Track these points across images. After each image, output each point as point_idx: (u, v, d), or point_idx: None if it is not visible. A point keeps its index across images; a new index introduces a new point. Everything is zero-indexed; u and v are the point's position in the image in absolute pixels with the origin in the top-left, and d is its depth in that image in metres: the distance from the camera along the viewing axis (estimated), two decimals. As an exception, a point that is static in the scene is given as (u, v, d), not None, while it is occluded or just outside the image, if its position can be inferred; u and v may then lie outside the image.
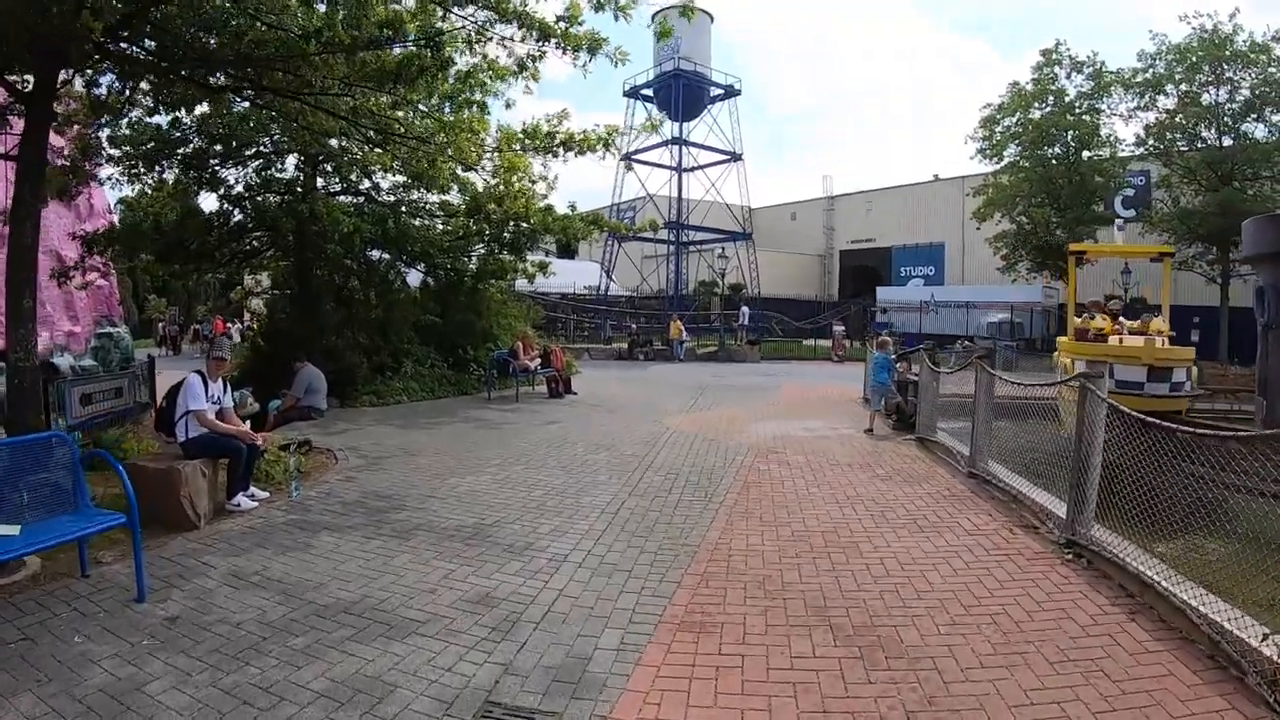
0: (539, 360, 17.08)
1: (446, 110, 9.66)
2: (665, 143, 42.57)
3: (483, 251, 18.00)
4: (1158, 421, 5.83)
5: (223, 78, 9.55)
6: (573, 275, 39.65)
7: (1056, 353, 14.20)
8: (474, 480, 8.60)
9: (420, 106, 9.59)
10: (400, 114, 9.25)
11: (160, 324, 42.01)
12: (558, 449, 10.65)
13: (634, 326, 33.01)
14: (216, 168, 14.70)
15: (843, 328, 35.56)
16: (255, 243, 16.78)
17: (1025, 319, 42.32)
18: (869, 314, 46.25)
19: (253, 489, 7.70)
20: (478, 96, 9.08)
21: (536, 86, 8.48)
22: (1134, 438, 6.03)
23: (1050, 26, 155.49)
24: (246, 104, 12.43)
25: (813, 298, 55.37)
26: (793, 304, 46.23)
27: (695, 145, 43.49)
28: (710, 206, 46.03)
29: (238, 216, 15.09)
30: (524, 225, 16.46)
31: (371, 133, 9.92)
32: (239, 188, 15.17)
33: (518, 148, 11.97)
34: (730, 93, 44.74)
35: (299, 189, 14.58)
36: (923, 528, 7.08)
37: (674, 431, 12.49)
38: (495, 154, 12.24)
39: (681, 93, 40.68)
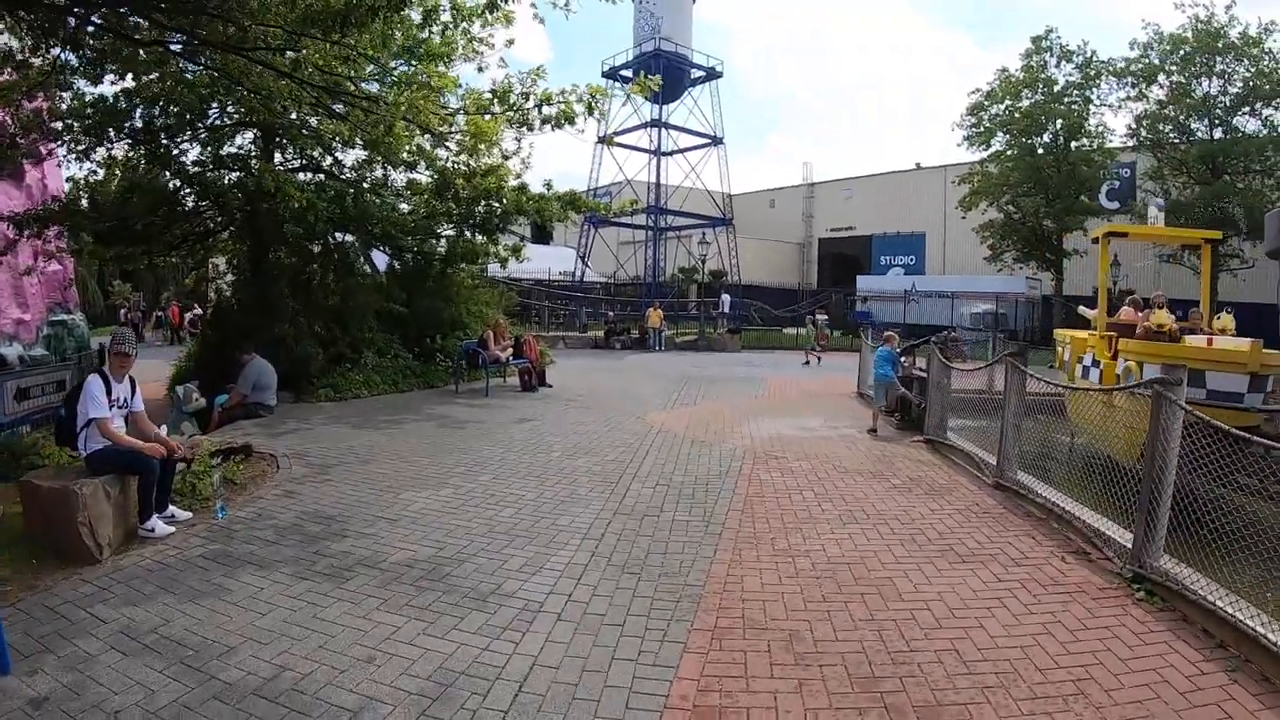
0: (511, 351, 15.85)
1: (404, 68, 8.41)
2: (644, 125, 41.24)
3: (451, 233, 16.75)
4: (1262, 440, 4.83)
5: (150, 30, 8.30)
6: (548, 261, 38.38)
7: (1062, 348, 13.18)
8: (433, 495, 7.41)
9: (374, 64, 8.31)
10: (351, 71, 7.96)
11: (123, 310, 40.34)
12: (531, 453, 9.47)
13: (611, 314, 31.77)
14: (165, 142, 13.38)
15: (825, 317, 34.52)
16: (209, 223, 15.45)
17: (1009, 310, 41.61)
18: (849, 303, 45.33)
19: (172, 509, 6.50)
20: (439, 45, 7.86)
21: (507, 59, 7.32)
22: (1223, 455, 5.03)
23: (1038, 23, 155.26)
24: (186, 64, 11.18)
25: (792, 286, 54.50)
26: (771, 292, 45.20)
27: (675, 128, 42.16)
28: (689, 192, 44.81)
29: (187, 194, 13.73)
30: (496, 205, 15.25)
31: (319, 93, 8.61)
32: (189, 164, 13.85)
33: (486, 116, 10.73)
34: (712, 75, 43.42)
35: (252, 163, 13.21)
36: (962, 556, 6.04)
37: (659, 431, 11.37)
38: (460, 118, 10.97)
39: (662, 74, 39.35)
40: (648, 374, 20.23)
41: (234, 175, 13.22)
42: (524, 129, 14.59)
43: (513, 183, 15.13)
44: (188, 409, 11.89)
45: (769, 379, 20.03)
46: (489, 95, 9.05)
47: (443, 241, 17.06)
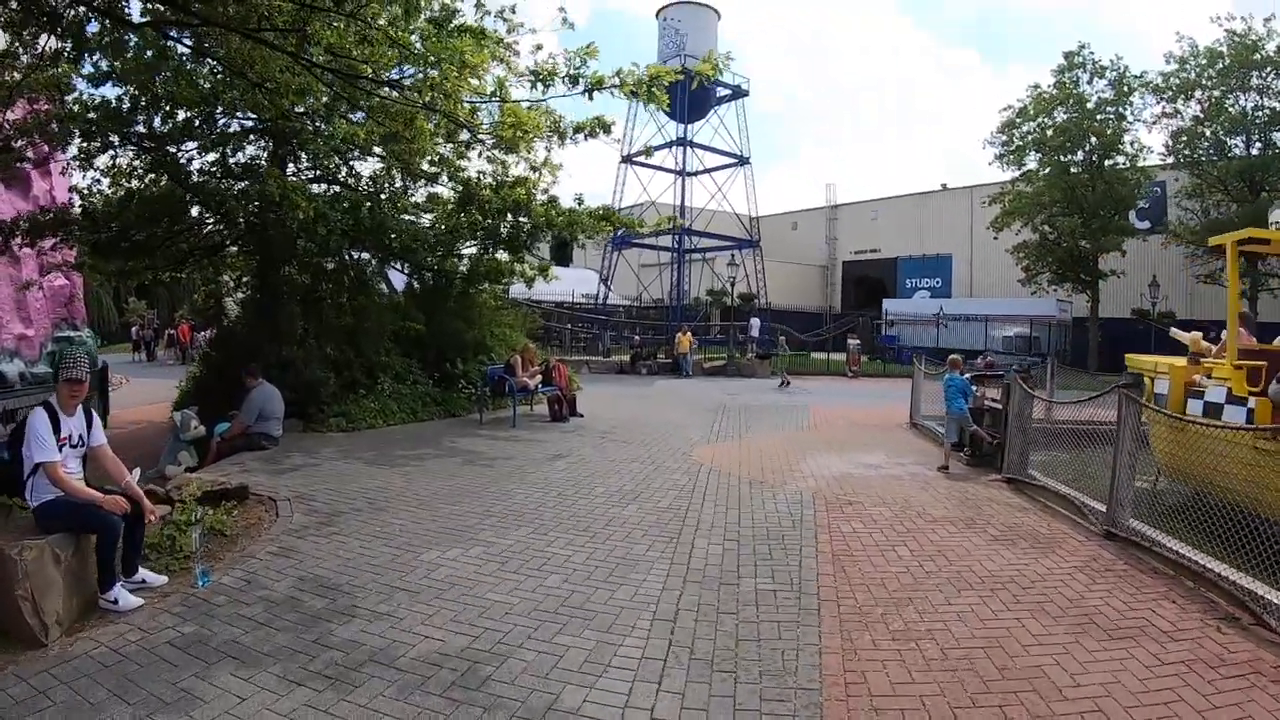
0: (540, 378, 14.65)
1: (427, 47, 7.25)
2: (669, 144, 40.22)
3: (474, 250, 15.62)
4: None
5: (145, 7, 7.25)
6: (570, 283, 37.33)
7: (1151, 379, 11.74)
8: (461, 555, 6.14)
9: (395, 47, 7.16)
10: (369, 52, 6.82)
11: (135, 328, 39.51)
12: (572, 499, 8.20)
13: (637, 338, 30.60)
14: (171, 149, 12.36)
15: (857, 341, 33.26)
16: (216, 236, 14.40)
17: (1042, 333, 40.19)
18: (875, 326, 43.87)
19: (143, 573, 5.31)
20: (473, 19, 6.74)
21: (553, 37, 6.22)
22: None
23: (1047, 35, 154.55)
24: (187, 56, 10.14)
25: (815, 309, 53.31)
26: (795, 316, 43.95)
27: (701, 147, 41.10)
28: (714, 214, 43.72)
29: (190, 203, 12.67)
30: (523, 220, 14.11)
31: (333, 79, 7.46)
32: (195, 172, 12.79)
33: (525, 105, 9.57)
34: (738, 93, 42.41)
35: (260, 170, 12.11)
36: (1107, 630, 4.84)
37: (710, 470, 10.09)
38: (493, 108, 9.79)
39: (687, 92, 38.37)
40: (681, 402, 18.99)
41: (241, 185, 12.07)
42: (556, 138, 13.62)
43: (541, 196, 14.03)
44: (186, 437, 10.74)
45: (811, 407, 18.71)
46: (531, 75, 7.83)
47: (465, 259, 15.95)
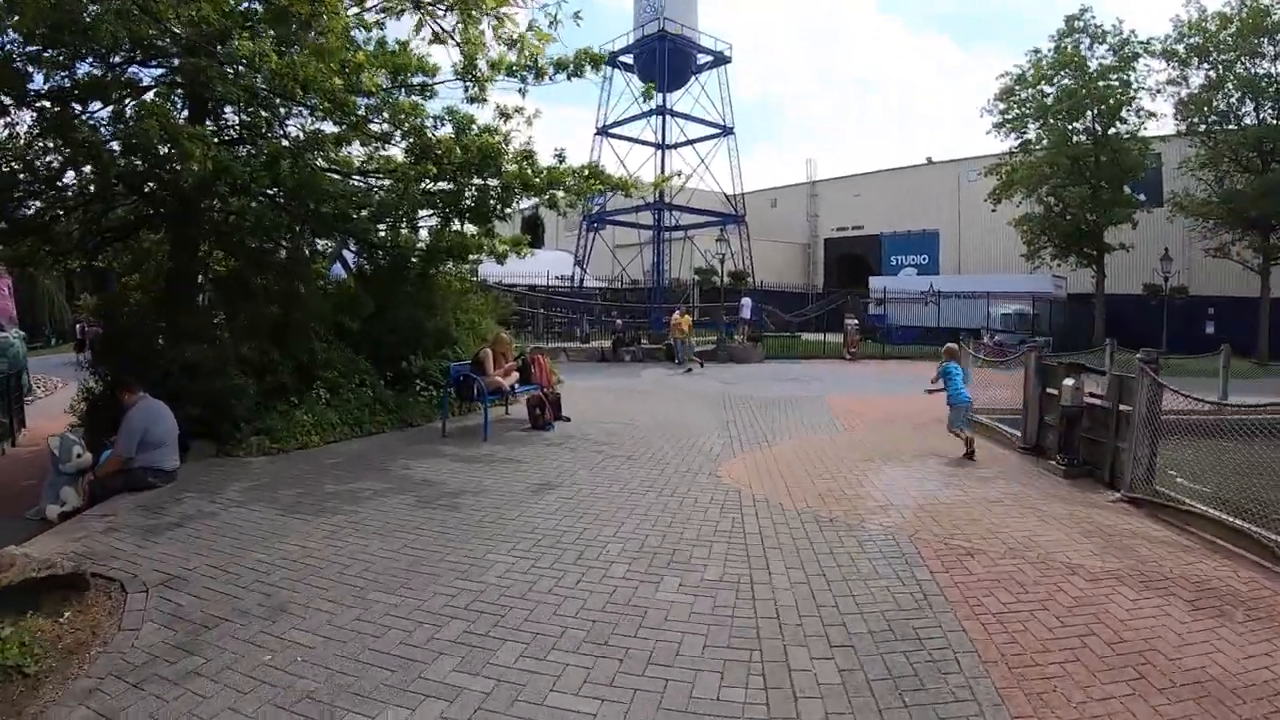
0: (516, 375, 11.99)
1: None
2: (647, 114, 37.38)
3: (436, 222, 12.94)
4: None
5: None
6: (543, 265, 34.65)
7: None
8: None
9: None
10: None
11: (79, 326, 36.21)
12: (576, 569, 5.53)
13: (619, 322, 27.88)
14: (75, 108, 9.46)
15: (855, 321, 30.91)
16: (128, 214, 11.62)
17: (1043, 310, 38.23)
18: (863, 305, 41.43)
19: None
20: None
21: None
22: None
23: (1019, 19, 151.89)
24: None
25: (799, 288, 50.97)
26: (778, 295, 41.50)
27: (682, 116, 38.06)
28: (694, 191, 41.12)
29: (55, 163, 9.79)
30: (492, 182, 11.44)
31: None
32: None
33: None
34: (720, 60, 39.52)
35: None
36: None
37: (753, 500, 7.54)
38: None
39: (666, 58, 35.60)
40: (678, 396, 16.41)
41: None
42: (533, 77, 11.05)
43: (513, 148, 11.34)
44: (67, 469, 7.99)
45: (826, 399, 16.28)
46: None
47: (424, 234, 13.27)
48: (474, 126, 10.60)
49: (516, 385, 11.81)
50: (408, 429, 11.37)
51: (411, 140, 10.55)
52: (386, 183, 11.53)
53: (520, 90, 11.44)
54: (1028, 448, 10.49)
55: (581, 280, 38.90)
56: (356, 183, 11.64)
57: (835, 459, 9.66)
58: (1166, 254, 34.00)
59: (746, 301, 29.79)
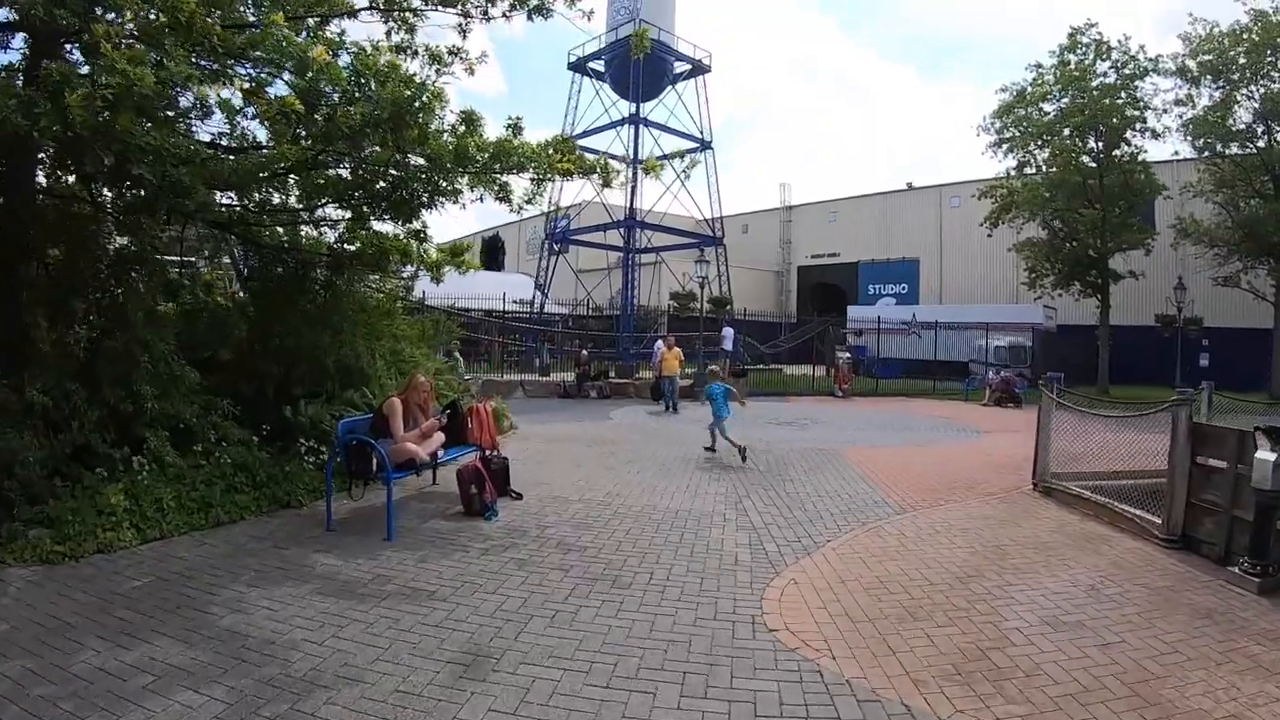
0: (440, 436, 8.30)
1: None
2: (619, 123, 34.14)
3: (347, 219, 9.46)
4: None
5: None
6: (502, 287, 31.13)
7: None
8: None
9: None
10: None
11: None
12: None
13: (584, 353, 24.32)
14: None
15: (848, 354, 27.79)
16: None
17: (1036, 343, 35.72)
18: (841, 336, 38.22)
19: None
20: None
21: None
22: None
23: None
24: None
25: (772, 317, 47.99)
26: (749, 325, 38.22)
27: (657, 127, 34.59)
28: (666, 212, 37.93)
29: None
30: (415, 161, 7.97)
31: None
32: None
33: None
34: (698, 69, 36.25)
35: None
36: None
37: (843, 689, 4.12)
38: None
39: (641, 65, 32.32)
40: (665, 455, 12.81)
41: None
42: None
43: (449, 118, 7.91)
44: None
45: (847, 454, 12.94)
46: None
47: (330, 233, 9.80)
48: (384, 70, 7.08)
49: (442, 450, 8.17)
50: (283, 513, 7.72)
51: (294, 80, 7.01)
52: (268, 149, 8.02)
53: (460, 28, 8.11)
54: (1172, 540, 7.25)
55: (542, 305, 35.25)
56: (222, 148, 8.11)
57: (922, 568, 6.31)
58: (1180, 283, 31.58)
59: (729, 332, 26.28)
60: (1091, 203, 30.38)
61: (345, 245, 9.62)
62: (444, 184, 8.21)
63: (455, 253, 10.45)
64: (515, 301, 32.69)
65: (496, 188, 8.43)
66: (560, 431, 14.67)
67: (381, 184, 8.35)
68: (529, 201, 9.31)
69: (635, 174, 32.23)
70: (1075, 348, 34.38)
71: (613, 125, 34.51)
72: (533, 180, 8.51)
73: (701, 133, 35.96)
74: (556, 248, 36.76)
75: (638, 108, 32.38)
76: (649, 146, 34.60)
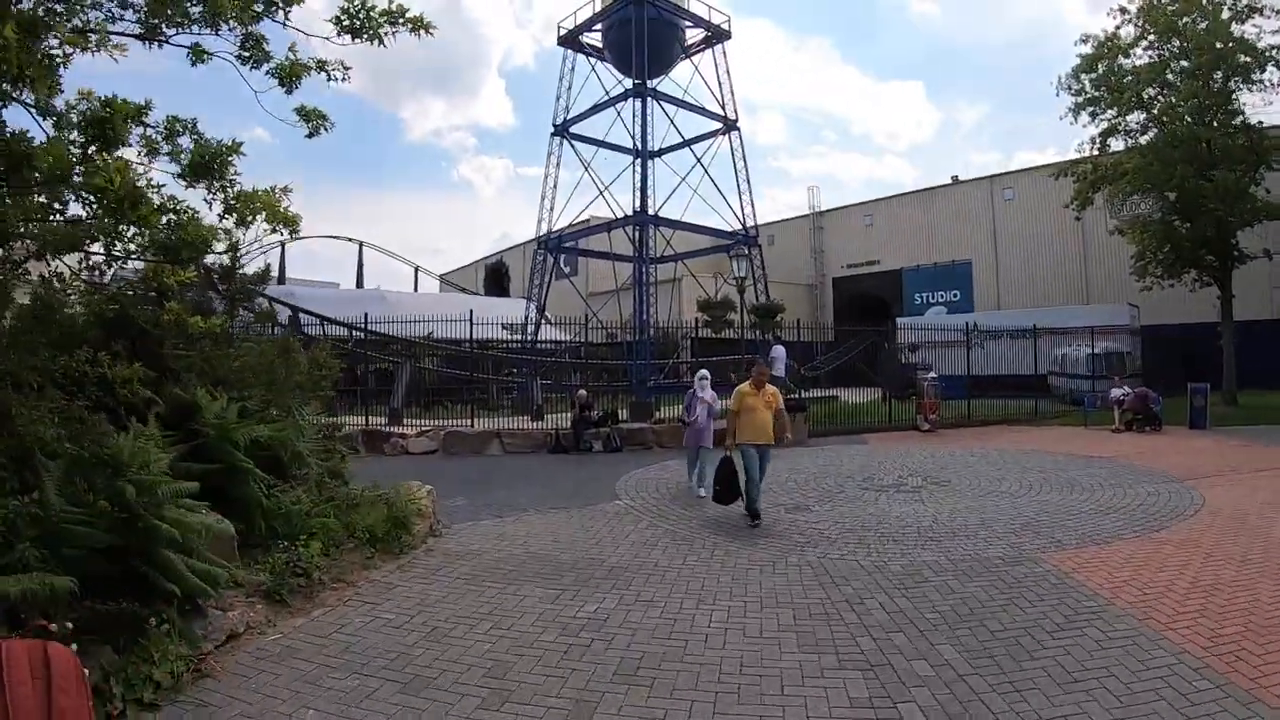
0: None
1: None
2: (620, 98, 27.81)
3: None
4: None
5: None
6: (506, 314, 25.28)
7: None
8: None
9: None
10: None
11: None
12: None
13: (582, 392, 17.74)
14: None
15: (934, 375, 21.35)
16: None
17: (1133, 348, 30.11)
18: (899, 351, 31.54)
19: None
20: None
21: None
22: None
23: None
24: None
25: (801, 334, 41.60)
26: (789, 346, 31.67)
27: (669, 99, 27.94)
28: (689, 203, 31.67)
29: None
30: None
31: None
32: None
33: None
34: (716, 35, 29.84)
35: None
36: None
37: None
38: None
39: (645, 32, 26.14)
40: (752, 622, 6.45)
41: None
42: None
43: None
44: None
45: (1083, 579, 6.53)
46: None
47: None
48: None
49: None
50: None
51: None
52: None
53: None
54: None
55: (536, 329, 28.76)
56: None
57: None
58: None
59: (780, 352, 19.52)
60: (1203, 171, 23.89)
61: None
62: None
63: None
64: (505, 328, 26.40)
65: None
66: (519, 538, 8.21)
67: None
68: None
69: (644, 162, 26.00)
70: (1160, 351, 29.20)
71: (612, 101, 28.08)
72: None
73: (724, 108, 29.54)
74: (554, 259, 30.48)
75: (644, 77, 26.08)
76: (661, 131, 28.43)
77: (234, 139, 5.37)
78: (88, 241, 5.51)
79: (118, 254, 5.79)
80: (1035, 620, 5.45)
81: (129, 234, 5.43)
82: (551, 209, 29.45)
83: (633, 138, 26.73)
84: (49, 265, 5.89)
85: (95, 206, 4.56)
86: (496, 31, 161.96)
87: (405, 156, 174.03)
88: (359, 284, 45.84)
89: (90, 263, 6.25)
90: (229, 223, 5.79)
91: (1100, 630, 5.22)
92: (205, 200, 5.41)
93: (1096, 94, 26.71)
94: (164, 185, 5.38)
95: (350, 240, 47.82)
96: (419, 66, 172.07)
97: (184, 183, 5.36)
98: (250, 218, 5.59)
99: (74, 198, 5.01)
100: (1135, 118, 26.37)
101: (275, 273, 44.67)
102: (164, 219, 5.37)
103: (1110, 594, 5.98)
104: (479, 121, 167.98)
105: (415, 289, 47.92)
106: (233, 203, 5.34)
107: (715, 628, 5.42)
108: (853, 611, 5.67)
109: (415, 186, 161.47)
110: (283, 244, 46.75)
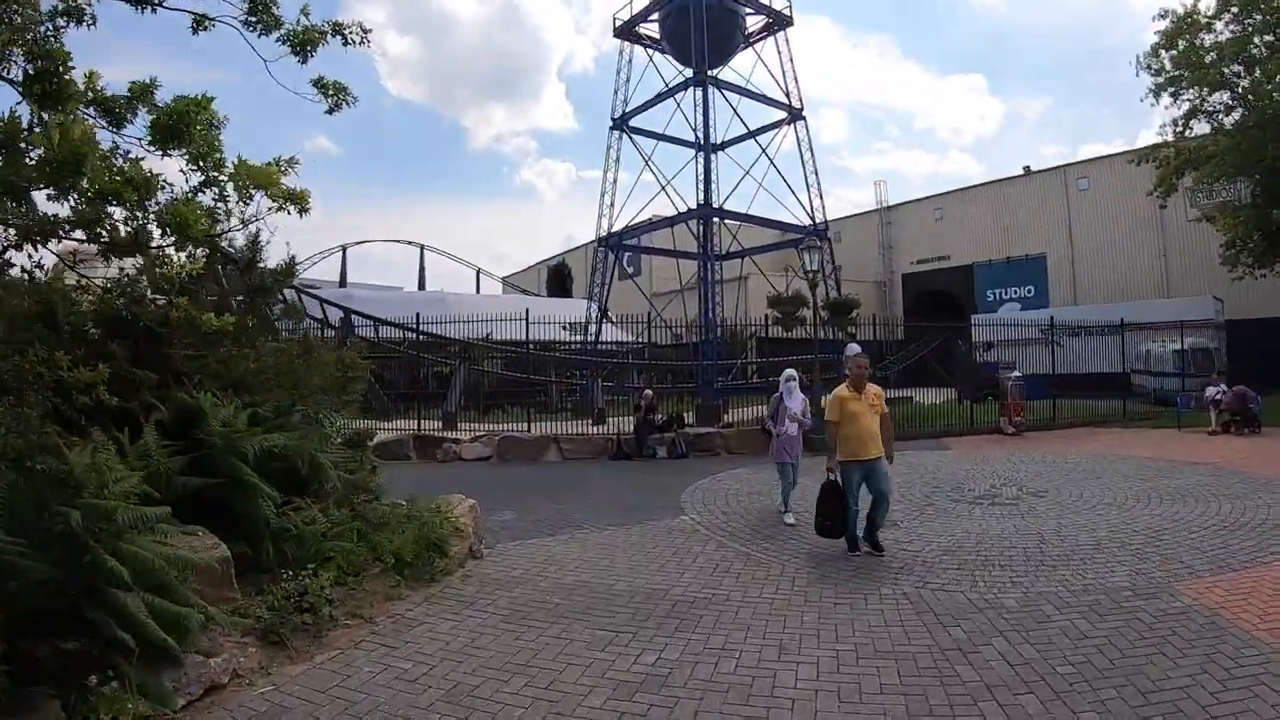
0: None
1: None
2: (680, 87, 26.87)
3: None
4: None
5: None
6: (568, 316, 24.67)
7: None
8: None
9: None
10: None
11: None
12: None
13: (647, 392, 16.85)
14: None
15: (1017, 374, 19.92)
16: None
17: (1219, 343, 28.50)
18: (973, 349, 29.83)
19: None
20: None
21: None
22: None
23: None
24: None
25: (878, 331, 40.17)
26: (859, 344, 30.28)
27: (730, 88, 27.03)
28: (754, 196, 30.43)
29: None
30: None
31: None
32: None
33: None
34: (778, 21, 28.95)
35: None
36: None
37: None
38: None
39: (705, 20, 25.21)
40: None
41: None
42: None
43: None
44: None
45: (1234, 619, 5.38)
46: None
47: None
48: None
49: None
50: None
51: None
52: None
53: None
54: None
55: (598, 332, 28.00)
56: None
57: None
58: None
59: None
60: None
61: None
62: None
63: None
64: (565, 328, 25.66)
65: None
66: (569, 562, 7.27)
67: None
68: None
69: (707, 153, 24.99)
70: (1244, 346, 27.97)
71: (671, 92, 27.19)
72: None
73: (788, 96, 28.38)
74: (615, 256, 29.69)
75: (704, 63, 25.10)
76: (723, 123, 27.33)
77: (204, 93, 4.53)
78: (66, 228, 4.74)
79: (104, 241, 5.02)
80: (1191, 676, 4.36)
81: (115, 217, 4.70)
82: (612, 205, 28.90)
83: (694, 129, 25.95)
84: (29, 257, 5.14)
85: (35, 175, 3.76)
86: (556, 36, 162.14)
87: (468, 163, 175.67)
88: (420, 287, 45.76)
89: (78, 256, 5.52)
90: (229, 204, 4.99)
91: (1272, 688, 4.11)
92: (181, 172, 4.60)
93: (1177, 73, 24.95)
94: (143, 158, 4.59)
95: (411, 244, 47.91)
96: (480, 74, 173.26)
97: (157, 151, 4.55)
98: (246, 193, 4.77)
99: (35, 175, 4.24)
100: (1219, 97, 24.66)
101: (336, 277, 45.42)
102: (151, 202, 4.61)
103: (1270, 636, 4.90)
104: (540, 126, 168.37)
105: (477, 291, 47.75)
106: (214, 174, 4.52)
107: (803, 688, 4.38)
108: (968, 664, 4.61)
109: (479, 193, 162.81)
110: (344, 248, 47.47)
